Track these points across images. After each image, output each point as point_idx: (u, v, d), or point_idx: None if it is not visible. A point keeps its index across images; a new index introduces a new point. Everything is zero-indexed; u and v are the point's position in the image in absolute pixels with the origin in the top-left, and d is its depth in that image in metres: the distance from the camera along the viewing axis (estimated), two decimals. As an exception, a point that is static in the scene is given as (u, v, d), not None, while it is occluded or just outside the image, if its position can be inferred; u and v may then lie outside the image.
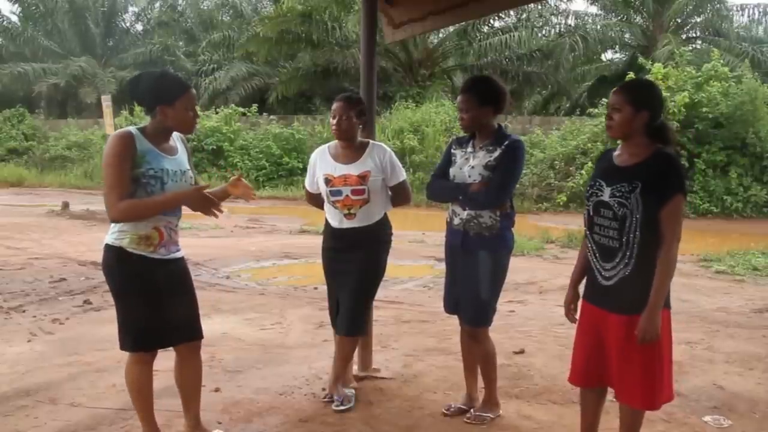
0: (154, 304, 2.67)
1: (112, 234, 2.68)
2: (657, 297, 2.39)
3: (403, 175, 3.44)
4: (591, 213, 2.57)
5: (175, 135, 2.80)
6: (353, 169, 3.32)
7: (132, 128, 2.67)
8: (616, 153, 2.60)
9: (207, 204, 2.66)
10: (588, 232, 2.60)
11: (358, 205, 3.30)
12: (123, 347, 2.74)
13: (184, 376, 2.91)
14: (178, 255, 2.79)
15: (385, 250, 3.46)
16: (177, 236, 2.79)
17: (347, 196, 3.29)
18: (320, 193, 3.44)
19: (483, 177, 3.10)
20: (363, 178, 3.29)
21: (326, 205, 3.43)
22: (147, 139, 2.64)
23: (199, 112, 2.78)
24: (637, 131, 2.49)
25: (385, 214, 3.44)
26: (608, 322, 2.51)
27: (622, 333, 2.45)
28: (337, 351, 3.51)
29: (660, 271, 2.39)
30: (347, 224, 3.34)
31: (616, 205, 2.45)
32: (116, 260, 2.66)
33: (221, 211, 2.70)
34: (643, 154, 2.48)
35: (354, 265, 3.34)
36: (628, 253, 2.44)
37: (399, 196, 3.47)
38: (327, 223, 3.49)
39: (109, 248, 2.68)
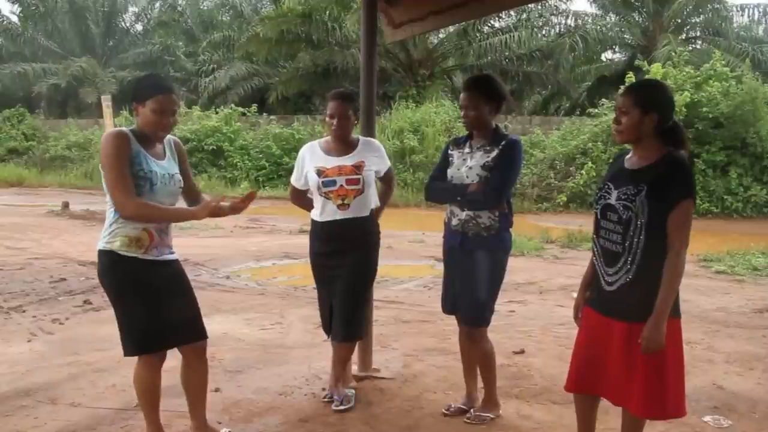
0: (152, 305, 2.65)
1: (103, 239, 2.68)
2: (663, 305, 2.30)
3: (389, 162, 3.55)
4: (598, 216, 2.51)
5: (166, 141, 2.81)
6: (348, 161, 3.31)
7: (125, 128, 2.69)
8: (627, 156, 2.53)
9: (217, 214, 2.69)
10: (594, 236, 2.55)
11: (353, 195, 3.27)
12: (126, 353, 2.72)
13: (190, 379, 2.89)
14: (171, 257, 2.78)
15: (375, 250, 3.42)
16: (169, 238, 2.76)
17: (342, 185, 3.26)
18: (306, 190, 3.44)
19: (481, 177, 3.09)
20: (358, 167, 3.29)
21: (317, 201, 3.37)
22: (137, 141, 2.66)
23: (180, 117, 2.77)
24: (646, 134, 2.39)
25: (372, 211, 3.41)
26: (610, 328, 2.46)
27: (623, 340, 2.40)
28: (334, 355, 3.50)
29: (667, 277, 2.30)
30: (341, 215, 3.28)
31: (621, 208, 2.38)
32: (110, 264, 2.66)
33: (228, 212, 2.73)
34: (652, 157, 2.39)
35: (345, 269, 3.30)
36: (630, 259, 2.38)
37: (389, 183, 3.60)
38: (314, 224, 3.42)
39: (101, 253, 2.68)
